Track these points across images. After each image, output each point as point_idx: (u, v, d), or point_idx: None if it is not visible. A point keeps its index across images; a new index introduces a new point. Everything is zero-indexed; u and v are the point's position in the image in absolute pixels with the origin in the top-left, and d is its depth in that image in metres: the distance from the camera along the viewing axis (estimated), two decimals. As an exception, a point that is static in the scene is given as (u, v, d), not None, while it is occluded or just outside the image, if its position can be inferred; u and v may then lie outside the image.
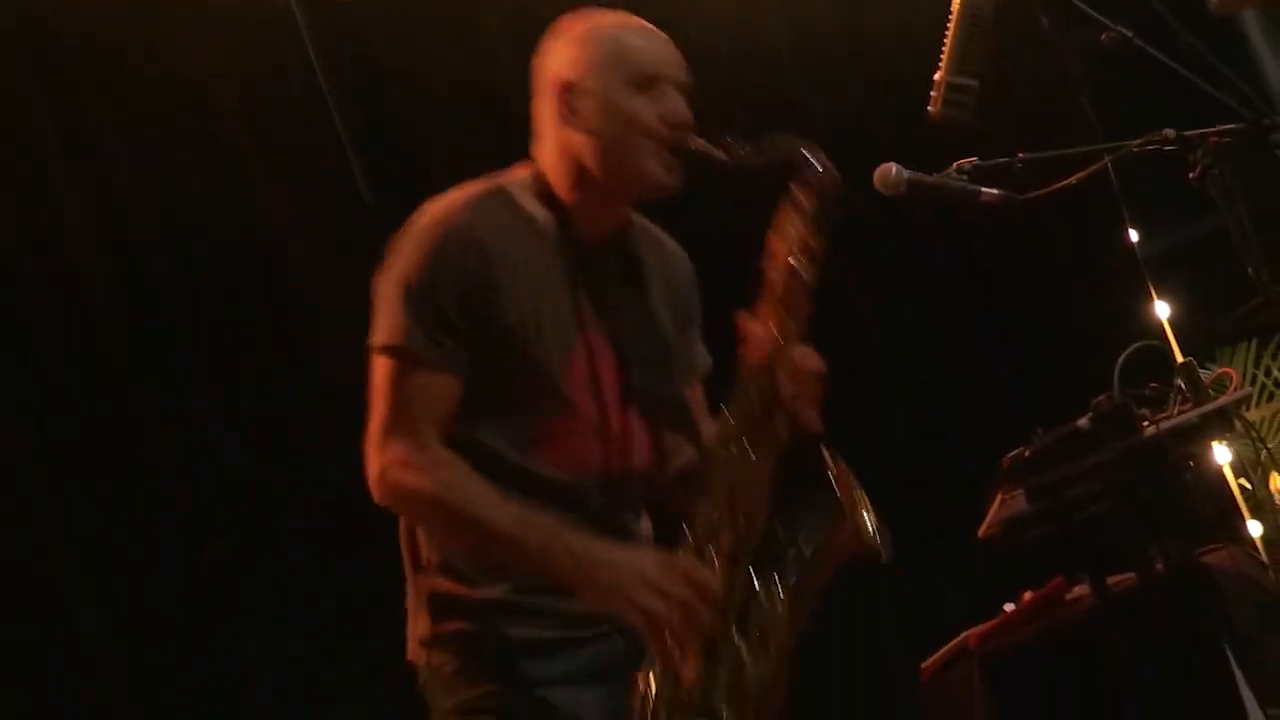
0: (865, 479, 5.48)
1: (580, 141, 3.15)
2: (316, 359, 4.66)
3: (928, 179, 3.60)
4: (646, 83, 3.12)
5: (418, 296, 3.03)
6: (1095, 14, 3.48)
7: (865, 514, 3.08)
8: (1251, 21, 8.58)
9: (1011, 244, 6.45)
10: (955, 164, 3.60)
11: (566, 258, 3.14)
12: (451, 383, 3.03)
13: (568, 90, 3.16)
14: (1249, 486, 6.53)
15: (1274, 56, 8.62)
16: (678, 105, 3.14)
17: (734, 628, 2.97)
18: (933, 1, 3.79)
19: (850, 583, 5.78)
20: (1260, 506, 6.48)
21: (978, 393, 6.31)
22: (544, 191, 3.17)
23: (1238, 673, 4.20)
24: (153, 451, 4.53)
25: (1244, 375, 7.05)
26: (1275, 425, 7.20)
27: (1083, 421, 4.20)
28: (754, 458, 3.06)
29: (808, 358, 3.11)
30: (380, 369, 3.06)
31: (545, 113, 3.21)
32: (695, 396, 3.36)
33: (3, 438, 4.36)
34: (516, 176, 3.22)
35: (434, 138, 5.19)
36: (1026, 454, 4.23)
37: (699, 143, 3.13)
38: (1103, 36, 3.45)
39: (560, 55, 3.21)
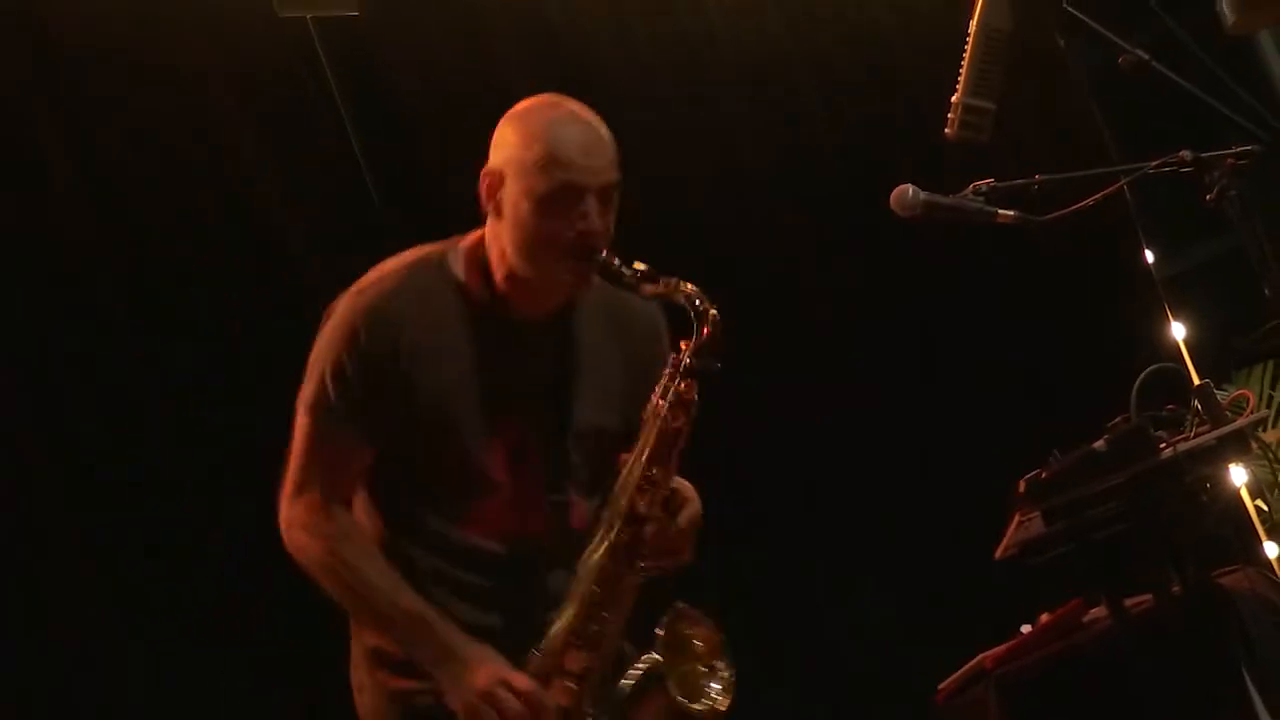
0: (881, 501, 5.47)
1: (502, 231, 3.24)
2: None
3: (944, 200, 3.60)
4: (561, 192, 3.17)
5: (330, 376, 3.19)
6: (1112, 36, 3.48)
7: (690, 681, 3.18)
8: (1268, 42, 8.57)
9: (1028, 266, 6.44)
10: (972, 185, 3.60)
11: (499, 335, 3.25)
12: (361, 455, 3.22)
13: (493, 180, 3.25)
14: (1265, 508, 6.52)
15: (1291, 77, 8.61)
16: (589, 217, 3.18)
17: None
18: (950, 23, 3.79)
19: (867, 604, 5.81)
20: (1277, 528, 6.47)
21: (994, 414, 6.30)
22: (482, 267, 3.27)
23: (1254, 695, 4.19)
24: (152, 456, 4.52)
25: (1261, 397, 7.04)
26: (1292, 447, 7.18)
27: (1099, 443, 4.19)
28: (620, 579, 3.18)
29: (679, 502, 3.24)
30: (300, 426, 3.24)
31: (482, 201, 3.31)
32: None
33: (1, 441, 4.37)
34: (464, 243, 3.31)
35: (444, 141, 5.19)
36: (1043, 476, 4.22)
37: (604, 260, 3.19)
38: (1120, 59, 3.45)
39: (496, 142, 3.29)
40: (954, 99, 3.57)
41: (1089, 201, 3.62)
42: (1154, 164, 3.57)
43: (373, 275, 3.27)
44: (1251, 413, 4.38)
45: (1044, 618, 4.68)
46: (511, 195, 3.20)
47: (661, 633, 3.16)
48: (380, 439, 3.20)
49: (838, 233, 6.25)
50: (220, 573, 4.47)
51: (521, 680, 3.09)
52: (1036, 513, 4.25)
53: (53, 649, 4.30)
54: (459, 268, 3.27)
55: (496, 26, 5.66)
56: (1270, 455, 4.84)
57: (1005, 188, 3.60)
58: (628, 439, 3.26)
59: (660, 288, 3.18)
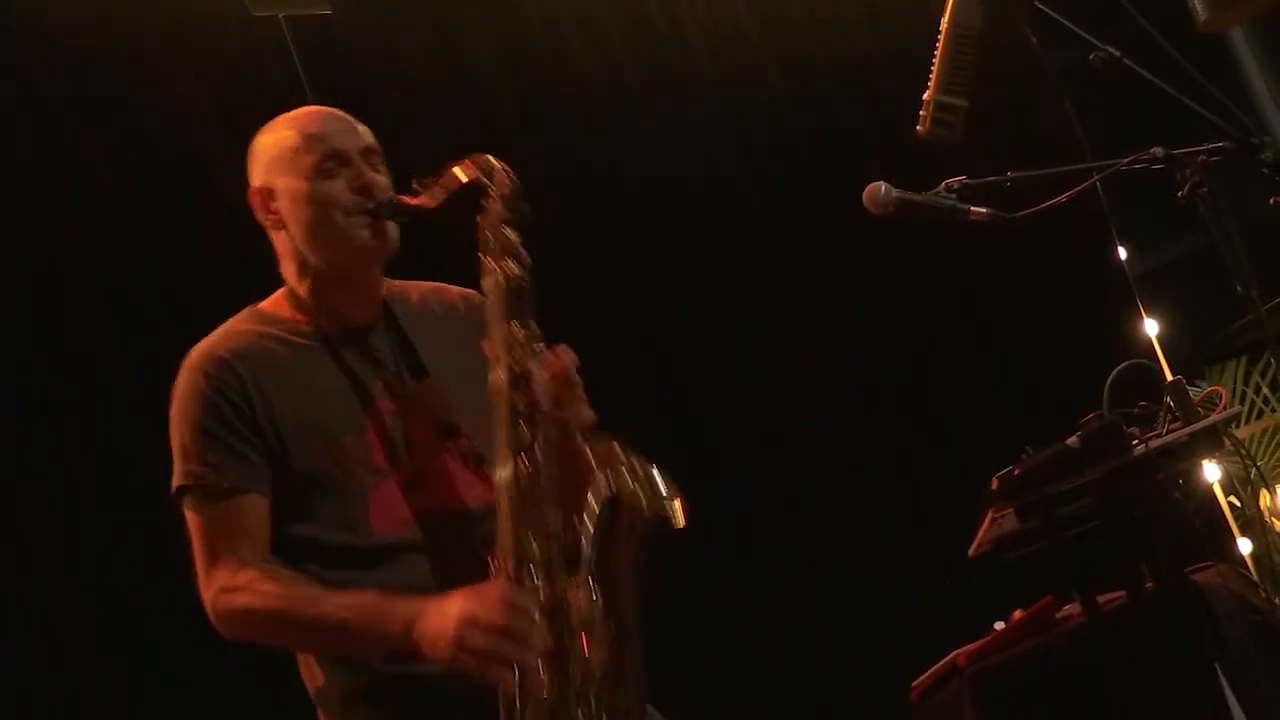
0: (854, 498, 5.47)
1: (290, 237, 3.28)
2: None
3: (916, 197, 3.60)
4: (325, 162, 3.24)
5: (194, 436, 3.17)
6: (1084, 33, 3.47)
7: (641, 488, 3.07)
8: (1240, 39, 8.61)
9: (1000, 263, 6.46)
10: (944, 182, 3.60)
11: (329, 348, 3.26)
12: (254, 502, 3.15)
13: (262, 197, 3.30)
14: (1239, 504, 6.54)
15: (1262, 74, 8.65)
16: (360, 171, 3.25)
17: (565, 633, 3.00)
18: (920, 20, 3.79)
19: (840, 600, 5.83)
20: (1250, 524, 6.49)
21: (967, 411, 6.32)
22: (292, 298, 3.31)
23: (1228, 691, 4.20)
24: (140, 467, 4.51)
25: (1233, 393, 7.05)
26: (1265, 443, 7.21)
27: (1072, 440, 4.19)
28: (536, 469, 3.08)
29: (555, 357, 3.16)
30: (188, 514, 3.19)
31: (265, 227, 3.34)
32: None
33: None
34: (269, 298, 3.35)
35: (416, 138, 5.19)
36: (1016, 472, 4.22)
37: (391, 197, 3.24)
38: (1091, 56, 3.45)
39: (250, 169, 3.35)
40: (926, 96, 3.56)
41: (1061, 198, 3.62)
42: (1126, 161, 3.57)
43: (195, 347, 3.28)
44: (1224, 409, 4.38)
45: (1017, 614, 4.69)
46: (285, 192, 3.27)
47: (594, 460, 3.07)
48: (263, 478, 3.15)
49: (810, 232, 6.26)
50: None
51: (492, 590, 2.96)
52: (1009, 509, 4.25)
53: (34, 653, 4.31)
54: (269, 309, 3.33)
55: (468, 24, 5.67)
56: (1243, 452, 4.85)
57: (977, 185, 3.60)
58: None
59: (445, 177, 3.21)
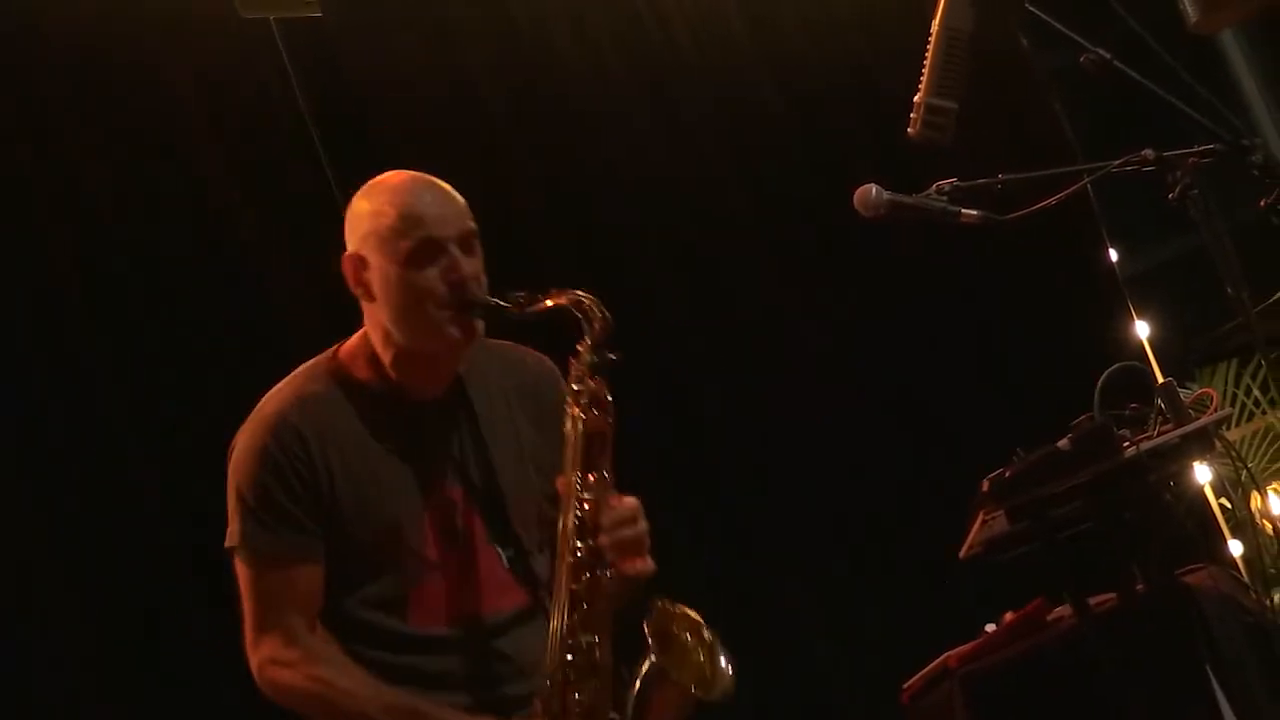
0: (845, 500, 5.47)
1: (378, 312, 3.27)
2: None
3: (907, 200, 3.60)
4: (423, 249, 3.20)
5: (253, 498, 3.19)
6: (1074, 35, 3.48)
7: (691, 668, 3.16)
8: (1230, 42, 8.61)
9: (991, 265, 6.45)
10: (935, 185, 3.60)
11: (402, 421, 3.27)
12: (307, 571, 3.18)
13: (356, 264, 3.28)
14: (1229, 506, 6.54)
15: (1253, 76, 8.66)
16: (455, 264, 3.21)
17: None
18: (912, 21, 3.79)
19: (831, 602, 5.82)
20: (1241, 526, 6.49)
21: (958, 413, 6.31)
22: (372, 357, 3.30)
23: (1219, 693, 4.20)
24: (128, 474, 4.50)
25: (1224, 395, 7.05)
26: (1255, 445, 7.21)
27: (1063, 442, 4.20)
28: (592, 617, 3.14)
29: (621, 508, 3.17)
30: (239, 569, 3.22)
31: (356, 295, 3.34)
32: None
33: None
34: (347, 344, 3.34)
35: (407, 141, 5.19)
36: (1007, 475, 4.23)
37: (482, 297, 3.22)
38: (1082, 58, 3.45)
39: (349, 227, 3.32)
40: (917, 99, 3.56)
41: (1052, 200, 3.62)
42: (1117, 163, 3.57)
43: (267, 399, 3.28)
44: (1215, 411, 4.39)
45: (1008, 616, 4.69)
46: (378, 270, 3.23)
47: (649, 630, 3.13)
48: (318, 549, 3.18)
49: (800, 233, 6.26)
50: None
51: None
52: (1000, 511, 4.26)
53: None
54: (348, 366, 3.31)
55: (458, 25, 5.66)
56: (1233, 453, 4.84)
57: (968, 187, 3.60)
58: (553, 497, 3.27)
59: (544, 301, 3.20)
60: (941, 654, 4.67)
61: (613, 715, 3.14)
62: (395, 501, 3.20)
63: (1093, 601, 4.42)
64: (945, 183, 3.59)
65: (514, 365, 3.44)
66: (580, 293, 3.20)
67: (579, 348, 3.19)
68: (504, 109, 5.69)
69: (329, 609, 3.20)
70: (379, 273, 3.23)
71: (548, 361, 3.37)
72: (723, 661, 3.16)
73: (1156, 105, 3.40)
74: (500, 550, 3.28)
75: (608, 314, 3.19)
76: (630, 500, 3.17)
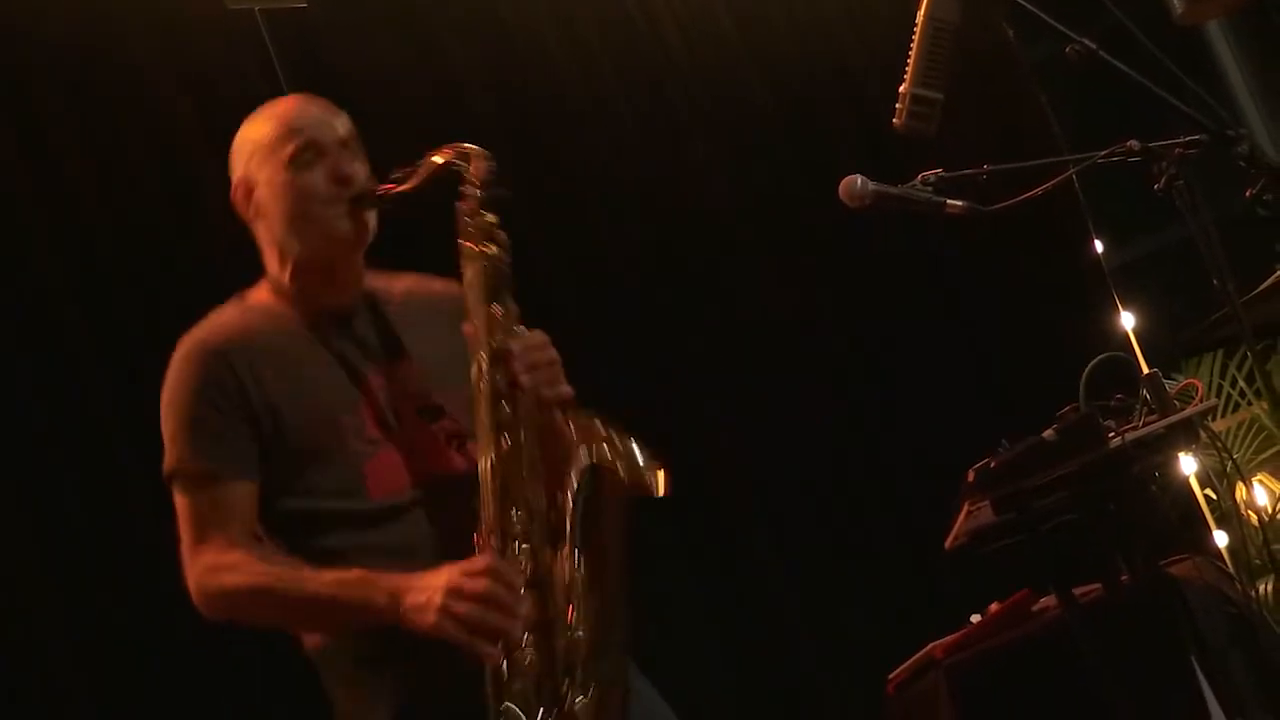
0: (830, 491, 5.47)
1: (271, 228, 3.32)
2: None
3: (893, 191, 3.59)
4: (303, 152, 3.28)
5: (181, 423, 3.21)
6: (1060, 26, 3.47)
7: (622, 459, 3.11)
8: (1216, 33, 8.62)
9: (976, 256, 6.46)
10: (920, 175, 3.59)
11: (315, 332, 3.29)
12: (239, 486, 3.18)
13: (244, 188, 3.34)
14: (1215, 497, 6.55)
15: (1239, 67, 8.67)
16: (338, 161, 3.28)
17: (550, 604, 3.04)
18: (900, 17, 3.79)
19: (817, 593, 5.83)
20: (1226, 517, 6.50)
21: (943, 403, 6.32)
22: (275, 286, 3.35)
23: (1204, 683, 4.21)
24: (128, 474, 4.50)
25: (1209, 386, 7.07)
26: (1241, 436, 7.24)
27: (1048, 433, 4.20)
28: (518, 446, 3.11)
29: (530, 339, 3.18)
30: (176, 499, 3.22)
31: (247, 220, 3.38)
32: None
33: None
34: (255, 287, 3.38)
35: (392, 133, 5.18)
36: (992, 465, 4.23)
37: (369, 186, 3.28)
38: (1067, 49, 3.45)
39: (232, 164, 3.38)
40: (902, 89, 3.56)
41: (1037, 191, 3.62)
42: (1102, 154, 3.56)
43: (187, 334, 3.30)
44: (1200, 402, 4.39)
45: (993, 607, 4.70)
46: (265, 184, 3.30)
47: (575, 437, 3.12)
48: (253, 466, 3.18)
49: (787, 228, 6.26)
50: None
51: (477, 562, 2.99)
52: (986, 502, 4.26)
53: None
54: (255, 296, 3.36)
55: (444, 19, 5.65)
56: (1219, 444, 4.84)
57: (953, 178, 3.59)
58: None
59: (425, 162, 3.23)
60: (927, 644, 4.68)
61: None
62: (329, 394, 3.21)
63: (1078, 592, 4.43)
64: (930, 173, 3.58)
65: (420, 286, 3.47)
66: (456, 143, 3.25)
67: (462, 189, 3.21)
68: (491, 106, 5.69)
69: (281, 515, 3.19)
70: (266, 186, 3.29)
71: (458, 284, 3.32)
72: (643, 455, 3.13)
73: (1142, 96, 3.39)
74: (435, 425, 3.28)
75: (489, 154, 3.23)
76: (537, 330, 3.19)
